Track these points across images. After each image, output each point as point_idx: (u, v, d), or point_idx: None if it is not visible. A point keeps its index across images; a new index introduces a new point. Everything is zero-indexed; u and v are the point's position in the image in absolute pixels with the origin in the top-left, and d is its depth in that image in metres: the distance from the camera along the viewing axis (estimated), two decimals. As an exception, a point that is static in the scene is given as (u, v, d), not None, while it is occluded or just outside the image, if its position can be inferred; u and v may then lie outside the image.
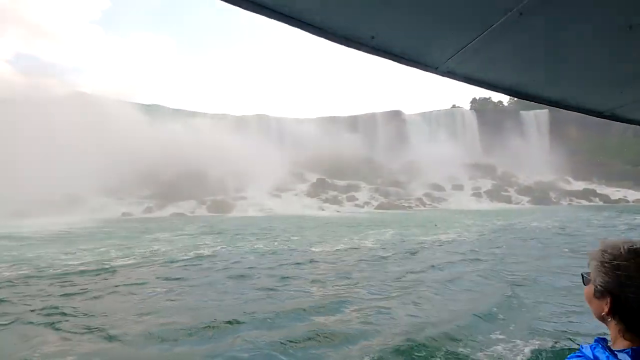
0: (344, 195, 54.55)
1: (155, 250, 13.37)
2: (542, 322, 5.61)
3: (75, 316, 6.16)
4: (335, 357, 4.56)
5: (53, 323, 5.81)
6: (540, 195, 56.55)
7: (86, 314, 6.24)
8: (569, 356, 0.95)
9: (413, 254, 11.49)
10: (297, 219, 33.12)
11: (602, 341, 0.93)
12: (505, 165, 67.22)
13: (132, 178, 46.27)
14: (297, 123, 73.24)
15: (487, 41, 1.30)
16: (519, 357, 4.49)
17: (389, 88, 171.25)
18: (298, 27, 1.21)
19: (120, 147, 46.29)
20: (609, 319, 0.95)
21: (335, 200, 52.23)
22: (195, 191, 47.07)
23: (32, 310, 6.42)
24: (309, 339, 5.03)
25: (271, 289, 7.71)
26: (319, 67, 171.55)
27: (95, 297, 7.32)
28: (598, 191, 57.99)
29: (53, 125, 45.64)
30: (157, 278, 9.00)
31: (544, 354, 4.53)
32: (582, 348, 0.94)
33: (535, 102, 1.98)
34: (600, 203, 53.80)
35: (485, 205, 53.36)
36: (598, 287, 0.96)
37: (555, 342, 4.83)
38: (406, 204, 52.46)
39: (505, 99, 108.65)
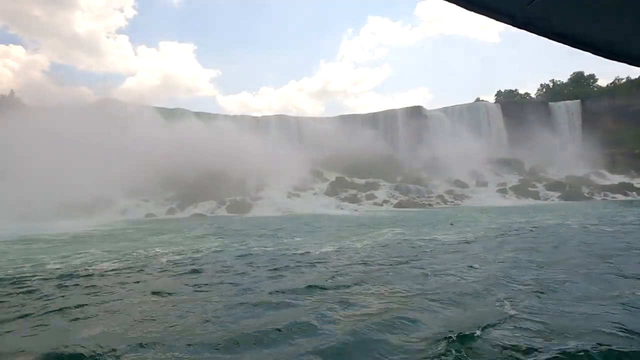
0: (363, 194, 54.12)
1: (147, 254, 13.10)
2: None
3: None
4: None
5: None
6: (571, 190, 53.69)
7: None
8: None
9: (404, 263, 10.86)
10: (311, 218, 33.22)
11: None
12: (534, 160, 64.43)
13: (157, 180, 48.08)
14: (317, 122, 73.51)
15: None
16: None
17: (411, 84, 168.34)
18: None
19: (145, 151, 48.32)
20: None
21: (354, 199, 51.94)
22: (215, 192, 48.28)
23: None
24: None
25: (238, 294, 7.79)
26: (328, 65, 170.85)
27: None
28: (636, 185, 54.36)
29: (84, 132, 48.26)
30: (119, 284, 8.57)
31: None
32: None
33: (629, 64, 1.60)
34: (639, 197, 50.51)
35: (511, 202, 51.35)
36: None
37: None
38: (426, 202, 51.37)
39: (532, 90, 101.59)
